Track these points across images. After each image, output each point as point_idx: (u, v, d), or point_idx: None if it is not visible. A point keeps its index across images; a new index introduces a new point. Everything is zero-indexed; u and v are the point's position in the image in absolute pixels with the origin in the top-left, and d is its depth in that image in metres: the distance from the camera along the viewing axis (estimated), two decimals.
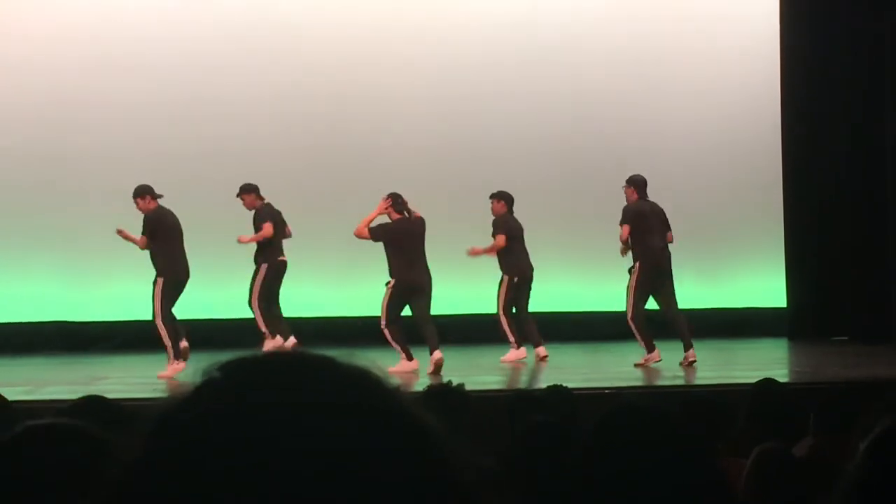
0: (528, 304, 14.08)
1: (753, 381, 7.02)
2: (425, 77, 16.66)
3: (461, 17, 16.80)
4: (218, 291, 15.28)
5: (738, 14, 17.05)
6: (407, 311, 13.17)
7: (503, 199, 14.16)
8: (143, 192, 13.13)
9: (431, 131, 16.67)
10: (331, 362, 1.25)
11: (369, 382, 1.24)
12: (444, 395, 5.66)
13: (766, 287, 16.79)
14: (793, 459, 4.99)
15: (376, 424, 1.20)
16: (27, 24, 16.41)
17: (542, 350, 13.79)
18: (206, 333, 14.20)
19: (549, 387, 6.12)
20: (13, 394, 7.47)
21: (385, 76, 16.58)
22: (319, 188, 16.20)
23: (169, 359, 12.86)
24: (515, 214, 14.17)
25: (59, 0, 16.49)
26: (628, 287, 13.51)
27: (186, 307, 13.55)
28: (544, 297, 14.73)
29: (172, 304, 13.01)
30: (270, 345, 13.16)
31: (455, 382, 6.23)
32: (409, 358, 12.84)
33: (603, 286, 15.45)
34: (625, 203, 13.68)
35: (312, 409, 1.18)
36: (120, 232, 13.04)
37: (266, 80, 16.49)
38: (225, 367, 1.24)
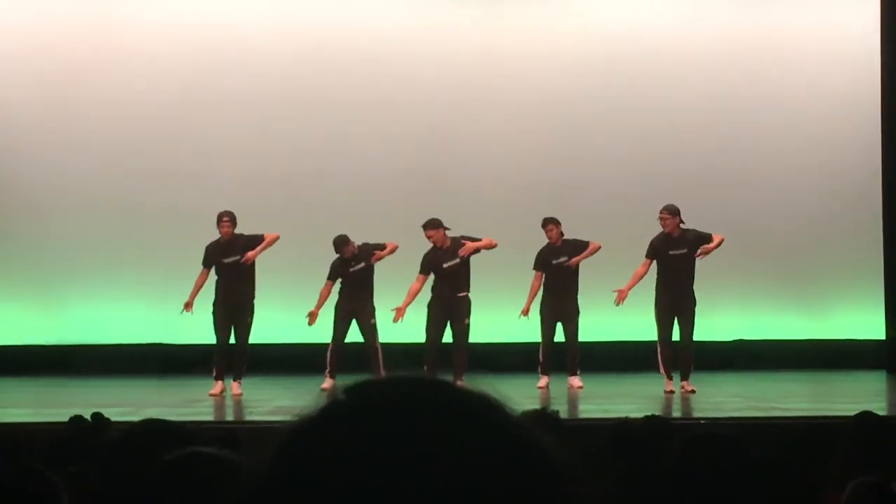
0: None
1: (852, 413, 6.97)
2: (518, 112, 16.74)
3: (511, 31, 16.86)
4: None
5: (838, 40, 16.94)
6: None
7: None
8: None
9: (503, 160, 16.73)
10: (451, 387, 1.26)
11: (491, 407, 1.25)
12: (539, 422, 5.68)
13: (865, 319, 16.62)
14: (891, 495, 4.96)
15: (500, 448, 1.20)
16: (118, 52, 16.70)
17: None
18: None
19: (646, 417, 6.11)
20: (112, 414, 7.59)
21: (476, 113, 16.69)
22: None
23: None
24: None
25: (158, 23, 16.78)
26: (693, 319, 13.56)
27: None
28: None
29: None
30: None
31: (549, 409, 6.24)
32: None
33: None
34: (685, 227, 13.69)
35: (437, 433, 1.20)
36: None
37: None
38: (351, 390, 1.26)
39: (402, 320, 13.84)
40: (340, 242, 14.17)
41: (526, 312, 14.14)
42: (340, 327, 14.09)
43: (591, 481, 1.26)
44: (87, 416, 7.02)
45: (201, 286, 13.98)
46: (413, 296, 13.93)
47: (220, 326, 13.81)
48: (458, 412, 1.23)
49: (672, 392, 13.43)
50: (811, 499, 4.19)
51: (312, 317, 14.11)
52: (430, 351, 13.80)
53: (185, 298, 14.08)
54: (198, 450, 2.56)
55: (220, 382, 13.70)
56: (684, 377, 13.60)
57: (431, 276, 14.00)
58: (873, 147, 16.72)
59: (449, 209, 14.26)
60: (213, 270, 13.94)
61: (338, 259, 14.17)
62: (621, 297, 13.80)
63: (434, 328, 13.87)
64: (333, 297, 14.16)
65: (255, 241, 13.89)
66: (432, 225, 13.96)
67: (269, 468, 1.23)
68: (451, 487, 1.17)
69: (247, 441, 6.24)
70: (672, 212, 13.74)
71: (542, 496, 1.21)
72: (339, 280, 14.19)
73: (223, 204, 14.40)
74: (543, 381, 14.09)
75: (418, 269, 13.97)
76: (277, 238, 13.96)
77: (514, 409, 1.27)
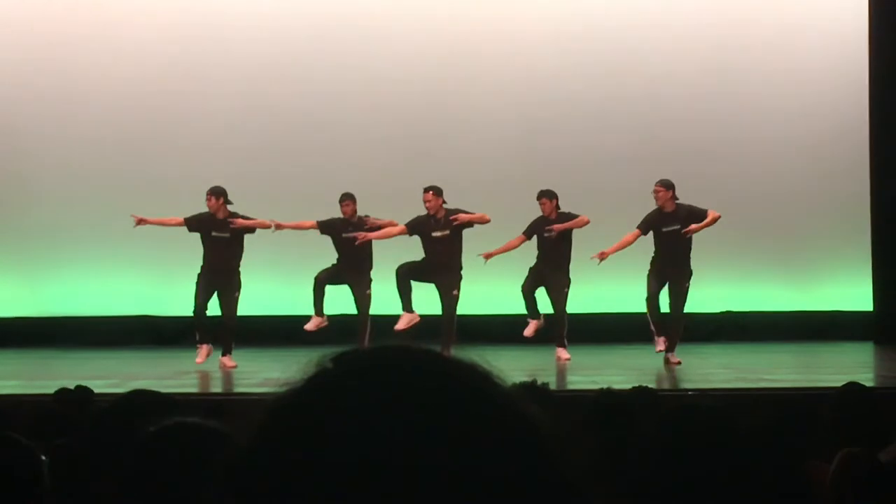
0: None
1: (839, 384, 6.98)
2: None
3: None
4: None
5: (826, 16, 16.93)
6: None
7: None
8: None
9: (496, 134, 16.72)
10: (439, 356, 1.27)
11: (479, 376, 1.26)
12: (528, 394, 5.68)
13: (853, 291, 16.66)
14: (879, 464, 4.97)
15: (487, 417, 1.21)
16: (116, 23, 16.65)
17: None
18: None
19: (634, 388, 6.12)
20: (99, 387, 7.60)
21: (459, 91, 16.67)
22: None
23: None
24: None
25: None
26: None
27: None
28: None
29: None
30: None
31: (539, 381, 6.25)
32: None
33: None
34: (680, 203, 13.70)
35: (425, 402, 1.20)
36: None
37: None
38: (338, 359, 1.26)
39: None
40: (344, 195, 14.13)
41: (488, 257, 14.07)
42: (329, 274, 14.08)
43: (577, 451, 1.26)
44: (73, 389, 7.05)
45: (165, 223, 13.94)
46: (384, 233, 13.98)
47: (201, 291, 13.79)
48: (446, 381, 1.23)
49: (663, 351, 13.44)
50: (798, 469, 4.20)
51: (277, 227, 14.02)
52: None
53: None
54: (183, 420, 2.56)
55: (204, 346, 13.69)
56: (670, 349, 13.60)
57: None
58: (861, 120, 16.73)
59: (438, 181, 14.21)
60: (200, 240, 13.89)
61: (338, 219, 14.14)
62: (602, 257, 13.74)
63: (413, 269, 13.90)
64: (316, 261, 14.15)
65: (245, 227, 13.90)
66: (436, 190, 13.95)
67: (255, 438, 1.23)
68: (438, 456, 1.17)
69: (234, 413, 6.24)
70: (666, 185, 13.72)
71: (528, 465, 1.21)
72: (337, 249, 14.13)
73: (211, 176, 14.39)
74: (532, 325, 14.14)
75: (410, 237, 13.93)
76: (267, 226, 13.96)
77: (502, 378, 1.27)
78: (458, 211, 13.94)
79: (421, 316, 13.83)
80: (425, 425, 1.19)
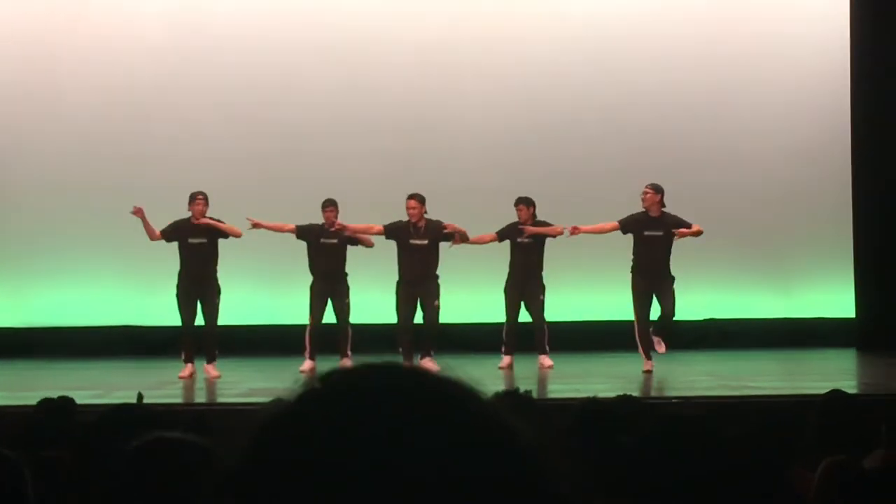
0: None
1: (822, 391, 7.00)
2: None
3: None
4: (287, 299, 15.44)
5: (808, 16, 16.98)
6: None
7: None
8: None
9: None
10: (425, 374, 1.28)
11: (465, 394, 1.27)
12: (511, 402, 5.70)
13: (835, 298, 16.70)
14: (863, 472, 4.98)
15: (474, 435, 1.22)
16: (93, 33, 16.62)
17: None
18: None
19: (618, 396, 6.13)
20: (82, 398, 7.58)
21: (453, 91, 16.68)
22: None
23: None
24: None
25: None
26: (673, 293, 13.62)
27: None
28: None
29: None
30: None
31: (522, 389, 6.25)
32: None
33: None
34: (665, 211, 13.69)
35: (412, 421, 1.21)
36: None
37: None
38: (325, 379, 1.28)
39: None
40: (328, 202, 14.10)
41: (455, 244, 14.05)
42: (317, 306, 14.02)
43: (563, 461, 1.27)
44: (55, 398, 7.03)
45: (149, 227, 13.87)
46: (363, 230, 13.93)
47: (185, 305, 13.75)
48: (432, 400, 1.25)
49: (650, 371, 13.43)
50: (783, 478, 4.20)
51: (255, 225, 13.99)
52: (401, 331, 13.82)
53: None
54: (163, 435, 2.55)
55: (189, 365, 13.67)
56: (658, 333, 13.57)
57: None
58: (844, 129, 16.78)
59: (422, 189, 14.20)
60: (177, 247, 13.86)
61: (317, 225, 14.09)
62: (575, 231, 13.73)
63: (404, 307, 13.87)
64: (307, 278, 14.12)
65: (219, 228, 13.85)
66: (419, 198, 13.91)
67: (243, 458, 1.24)
68: (426, 474, 1.19)
69: (218, 425, 6.23)
70: (655, 189, 13.72)
71: (515, 480, 1.22)
72: (311, 258, 14.10)
73: (191, 184, 14.35)
74: (506, 360, 14.09)
75: (391, 246, 13.92)
76: (238, 234, 13.93)
77: (485, 394, 1.28)
78: (438, 222, 13.90)
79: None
80: (414, 444, 1.20)
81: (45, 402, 6.91)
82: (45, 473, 3.78)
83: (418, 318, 13.95)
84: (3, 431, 5.87)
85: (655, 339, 13.55)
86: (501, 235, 14.20)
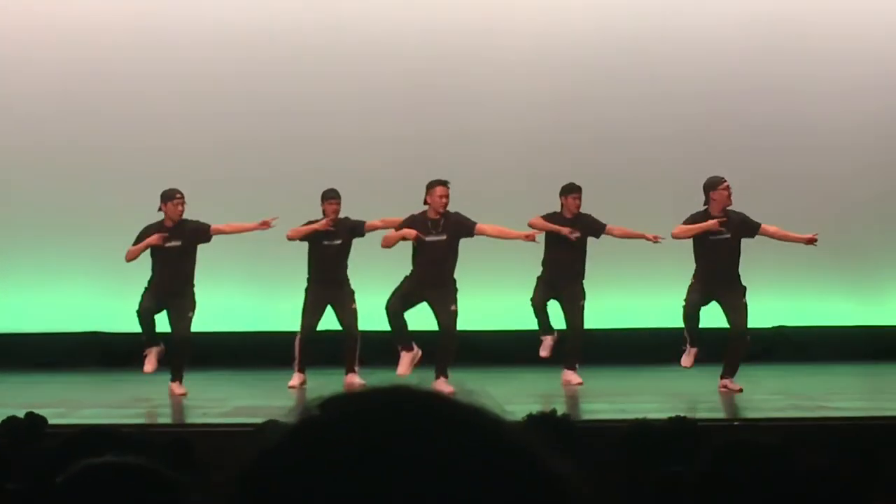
0: None
1: None
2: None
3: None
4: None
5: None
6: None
7: None
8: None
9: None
10: (440, 401, 1.26)
11: (485, 422, 1.26)
12: (547, 426, 5.68)
13: None
14: None
15: (496, 476, 1.21)
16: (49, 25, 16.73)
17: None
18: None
19: (671, 418, 6.11)
20: (47, 416, 7.59)
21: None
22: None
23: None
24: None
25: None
26: None
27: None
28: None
29: None
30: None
31: (560, 411, 6.24)
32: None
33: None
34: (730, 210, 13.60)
35: (425, 456, 1.20)
36: None
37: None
38: (326, 406, 1.27)
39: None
40: (330, 192, 14.11)
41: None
42: (312, 314, 13.98)
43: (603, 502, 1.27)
44: (21, 416, 6.97)
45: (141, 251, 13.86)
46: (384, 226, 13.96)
47: (146, 303, 13.72)
48: (448, 433, 1.23)
49: (690, 367, 13.43)
50: None
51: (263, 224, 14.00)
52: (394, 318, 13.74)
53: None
54: (90, 462, 2.50)
55: (153, 349, 13.66)
56: (728, 374, 13.47)
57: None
58: None
59: (423, 180, 14.19)
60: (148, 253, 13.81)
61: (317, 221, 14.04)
62: (656, 239, 13.76)
63: (403, 299, 13.75)
64: (299, 279, 14.12)
65: (201, 229, 13.75)
66: (446, 185, 13.79)
67: (234, 497, 1.24)
68: None
69: (202, 448, 6.25)
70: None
71: None
72: (310, 259, 14.07)
73: (166, 180, 14.30)
74: (548, 342, 14.08)
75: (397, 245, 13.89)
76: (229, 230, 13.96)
77: (510, 421, 1.26)
78: (458, 216, 13.71)
79: (414, 332, 13.69)
80: (424, 484, 1.18)
81: (9, 422, 6.81)
82: None
83: (431, 324, 13.72)
84: None
85: (725, 381, 13.39)
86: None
